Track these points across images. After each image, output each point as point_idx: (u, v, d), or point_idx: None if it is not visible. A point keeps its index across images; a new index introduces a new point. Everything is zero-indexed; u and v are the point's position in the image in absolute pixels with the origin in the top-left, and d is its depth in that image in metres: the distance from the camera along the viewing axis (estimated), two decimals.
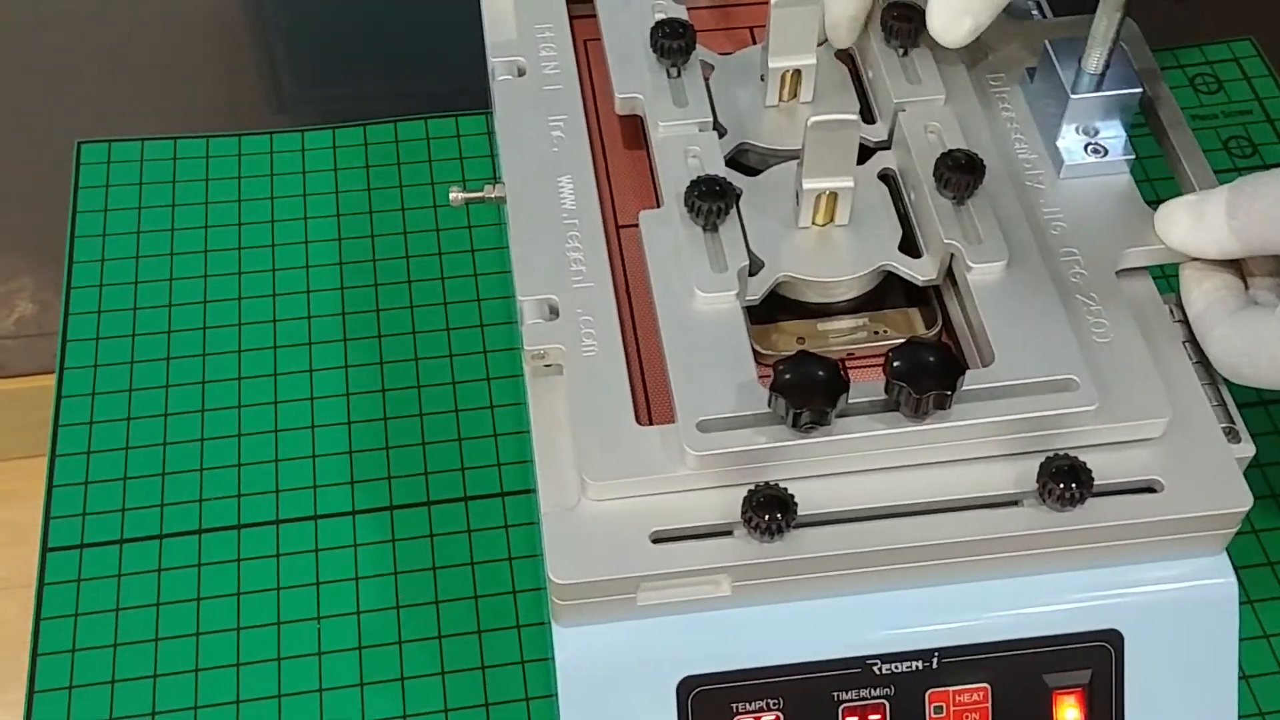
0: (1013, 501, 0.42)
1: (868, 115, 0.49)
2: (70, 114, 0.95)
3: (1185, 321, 0.46)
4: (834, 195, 0.45)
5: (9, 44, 0.92)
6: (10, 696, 1.17)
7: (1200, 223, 0.45)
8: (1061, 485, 0.41)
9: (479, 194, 0.50)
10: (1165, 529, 0.42)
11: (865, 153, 0.48)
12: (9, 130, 0.98)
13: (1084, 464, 0.41)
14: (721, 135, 0.48)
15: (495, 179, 0.65)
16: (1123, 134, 0.48)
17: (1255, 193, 0.43)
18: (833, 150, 0.44)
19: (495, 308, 0.62)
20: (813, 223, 0.46)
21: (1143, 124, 0.50)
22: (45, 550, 0.55)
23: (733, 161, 0.48)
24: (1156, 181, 0.54)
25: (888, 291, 0.47)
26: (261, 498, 0.56)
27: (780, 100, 0.49)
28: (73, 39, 0.91)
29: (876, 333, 0.47)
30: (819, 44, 0.49)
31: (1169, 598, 0.44)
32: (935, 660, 0.43)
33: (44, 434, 1.27)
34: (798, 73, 0.49)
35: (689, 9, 0.52)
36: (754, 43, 0.55)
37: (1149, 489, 0.42)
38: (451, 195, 0.50)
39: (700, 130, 0.48)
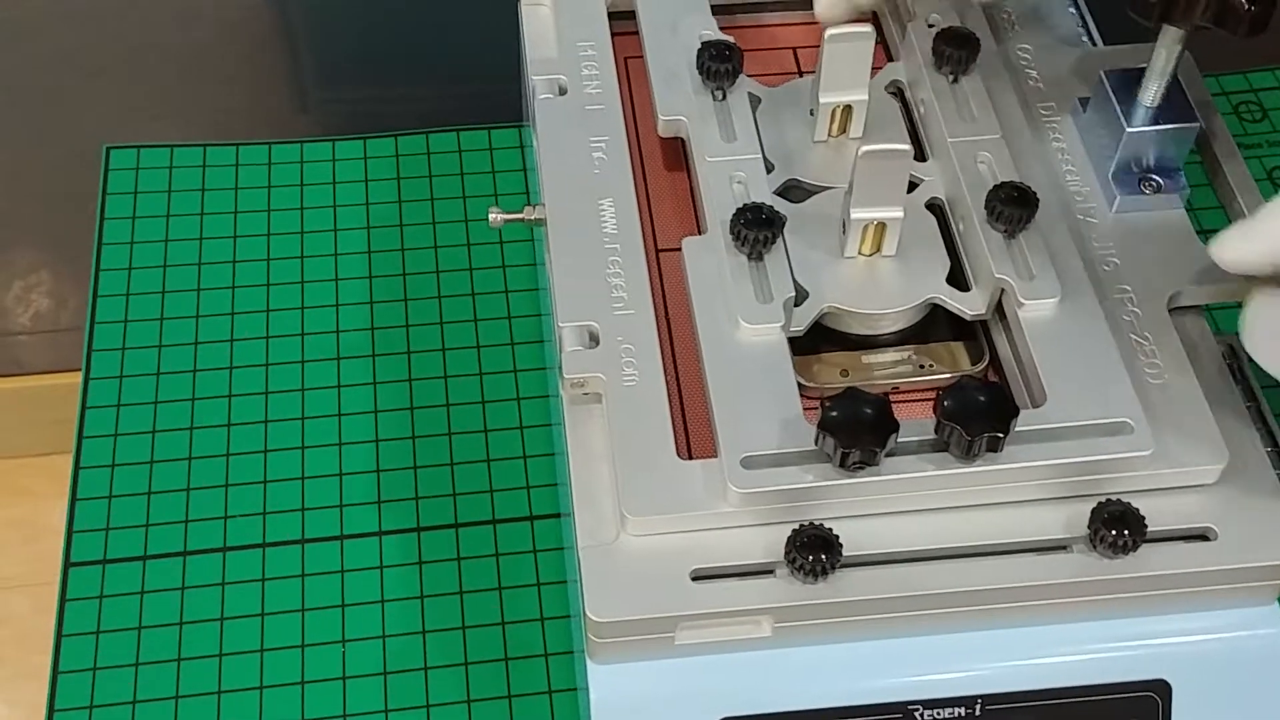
0: (1061, 547, 0.41)
1: (919, 152, 0.48)
2: (86, 109, 0.95)
3: (1239, 363, 0.45)
4: (882, 225, 0.45)
5: (35, 42, 0.91)
6: (21, 695, 1.17)
7: (1251, 236, 0.42)
8: (1114, 532, 0.40)
9: (518, 215, 0.49)
10: (1217, 579, 0.41)
11: (912, 184, 0.48)
12: (25, 126, 0.98)
13: (1137, 511, 0.40)
14: (770, 170, 0.47)
15: (529, 196, 0.65)
16: (1178, 168, 0.47)
17: None
18: (884, 179, 0.43)
19: (526, 325, 0.61)
20: (859, 253, 0.45)
21: (1194, 155, 0.49)
22: (67, 565, 0.54)
23: (779, 195, 0.47)
24: (1200, 210, 0.52)
25: (933, 324, 0.46)
26: (287, 516, 0.55)
27: (830, 135, 0.48)
28: (97, 38, 0.91)
29: (922, 366, 0.46)
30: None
31: (1219, 648, 0.43)
32: (979, 707, 0.42)
33: (58, 431, 1.26)
34: (848, 108, 0.48)
35: (732, 29, 0.51)
36: (797, 63, 0.54)
37: (1201, 537, 0.41)
38: (491, 216, 0.49)
39: (747, 158, 0.47)
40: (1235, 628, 0.43)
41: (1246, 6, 0.40)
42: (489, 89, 0.70)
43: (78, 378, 1.21)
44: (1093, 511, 0.40)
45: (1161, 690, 0.43)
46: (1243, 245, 0.42)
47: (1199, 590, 0.42)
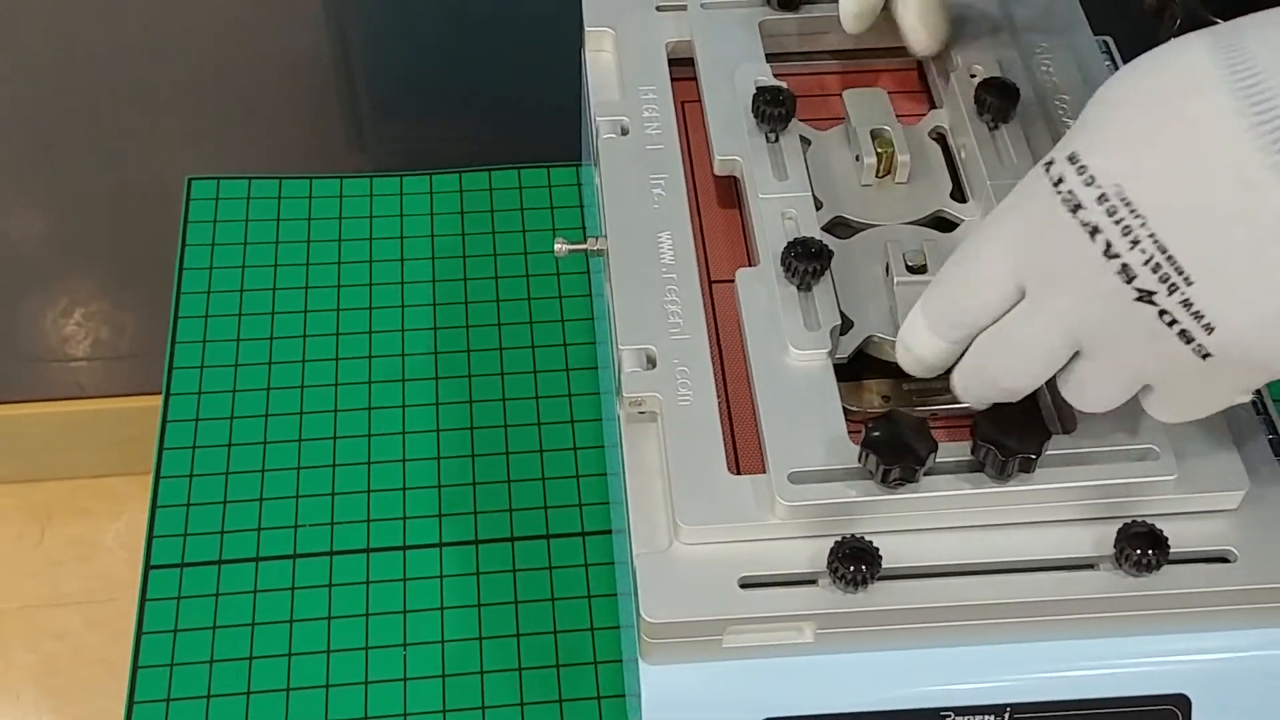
0: (1089, 565, 0.43)
1: (960, 194, 0.51)
2: (144, 145, 0.99)
3: (1261, 396, 0.47)
4: (923, 259, 0.47)
5: (98, 80, 0.95)
6: (73, 710, 1.20)
7: (908, 335, 0.43)
8: (1139, 551, 0.42)
9: (582, 245, 0.52)
10: (1236, 598, 0.43)
11: (953, 223, 0.51)
12: (83, 161, 1.01)
13: (1160, 531, 0.43)
14: (818, 208, 0.50)
15: (584, 230, 0.68)
16: None
17: (936, 281, 0.42)
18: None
19: (580, 353, 0.64)
20: (905, 270, 0.48)
21: None
22: (148, 568, 0.57)
23: (827, 231, 0.50)
24: None
25: None
26: (353, 526, 0.58)
27: (876, 178, 0.51)
28: (157, 78, 0.95)
29: None
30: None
31: (1237, 665, 0.45)
32: (1008, 715, 0.45)
33: (115, 454, 1.30)
34: (892, 153, 0.51)
35: (785, 75, 0.54)
36: (845, 109, 0.57)
37: (1222, 559, 0.44)
38: (556, 247, 0.52)
39: (798, 195, 0.50)
40: (1254, 647, 0.45)
41: None
42: (533, 130, 0.73)
43: (135, 402, 1.25)
44: (1118, 532, 0.43)
45: (1182, 704, 0.45)
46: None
47: (1219, 609, 0.44)
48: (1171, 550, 0.42)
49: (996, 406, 0.43)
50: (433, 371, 0.63)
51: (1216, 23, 0.41)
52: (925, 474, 0.42)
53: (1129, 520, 0.43)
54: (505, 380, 0.63)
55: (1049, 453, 0.42)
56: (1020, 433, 0.42)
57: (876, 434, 0.42)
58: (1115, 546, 0.43)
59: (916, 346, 0.43)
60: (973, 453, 0.42)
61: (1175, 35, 0.42)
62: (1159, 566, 0.42)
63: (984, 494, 0.42)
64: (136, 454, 1.08)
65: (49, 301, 1.14)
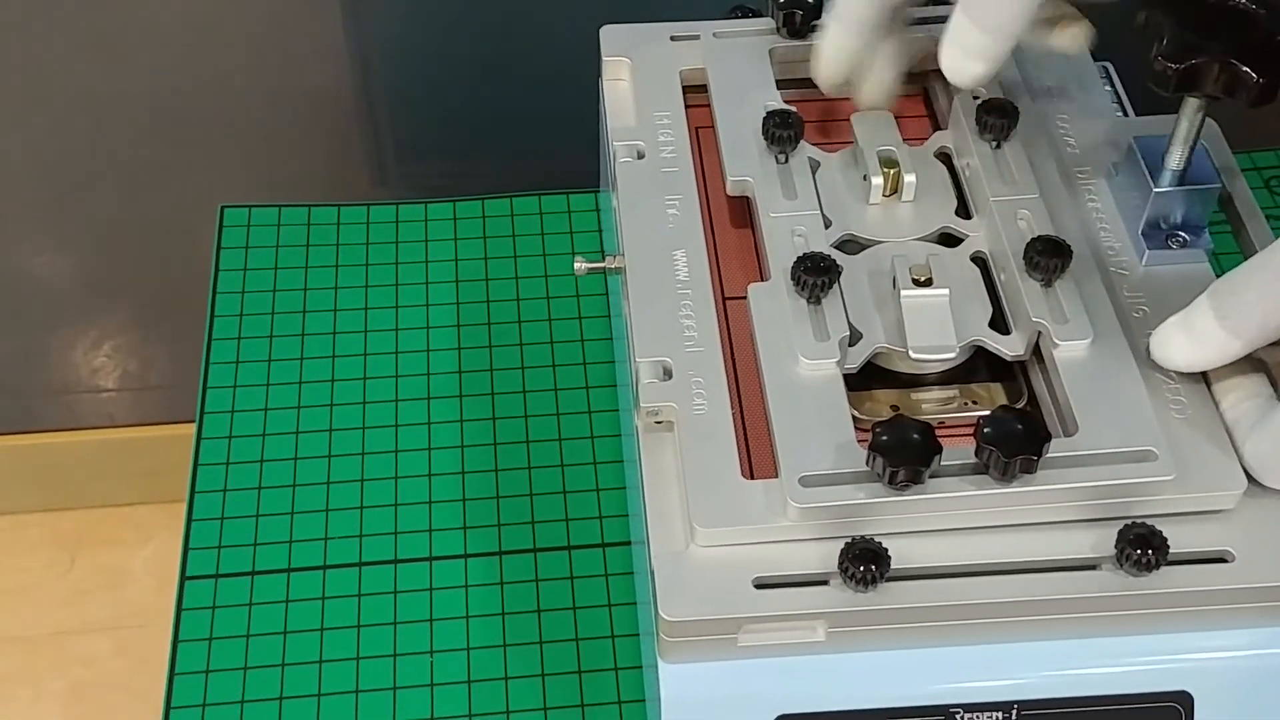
0: (1091, 565, 0.45)
1: (964, 210, 0.53)
2: (172, 181, 1.01)
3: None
4: (929, 273, 0.49)
5: (126, 117, 0.98)
6: None
7: (1194, 336, 0.46)
8: (1138, 551, 0.43)
9: (600, 264, 0.54)
10: (1235, 597, 0.45)
11: (958, 239, 0.52)
12: (112, 197, 1.04)
13: (1160, 532, 0.44)
14: (827, 226, 0.52)
15: (605, 251, 0.70)
16: (1202, 225, 0.51)
17: (1236, 288, 0.44)
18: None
19: (600, 371, 0.66)
20: (911, 284, 0.50)
21: (1222, 218, 0.53)
22: (184, 579, 0.59)
23: (837, 249, 0.52)
24: (1226, 258, 0.57)
25: (975, 368, 0.51)
26: (381, 538, 0.60)
27: (884, 197, 0.53)
28: (185, 116, 0.97)
29: (964, 405, 0.50)
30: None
31: (1238, 663, 0.46)
32: (1014, 712, 0.46)
33: (142, 483, 1.32)
34: (898, 173, 0.53)
35: (795, 102, 0.56)
36: (853, 133, 0.59)
37: (1220, 559, 0.45)
38: (576, 265, 0.54)
39: (807, 214, 0.52)
40: (1254, 646, 0.46)
41: (1255, 79, 0.45)
42: (550, 164, 0.75)
43: (163, 431, 1.27)
44: (1119, 533, 0.44)
45: (1184, 701, 0.46)
46: (1191, 354, 0.45)
47: (1218, 608, 0.45)
48: (1171, 551, 0.44)
49: (1000, 409, 0.44)
50: (457, 390, 0.65)
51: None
52: (931, 476, 0.44)
53: (1129, 521, 0.44)
54: (527, 398, 0.65)
55: (1050, 455, 0.44)
56: (1022, 435, 0.43)
57: (884, 437, 0.43)
58: (1116, 547, 0.44)
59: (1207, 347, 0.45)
60: (976, 455, 0.44)
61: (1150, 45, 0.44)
62: (1158, 566, 0.44)
63: (987, 495, 0.44)
64: (165, 483, 1.11)
65: (80, 334, 1.16)
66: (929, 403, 0.50)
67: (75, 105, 0.98)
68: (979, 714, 0.46)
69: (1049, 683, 0.46)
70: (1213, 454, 0.46)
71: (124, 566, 1.30)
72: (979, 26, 0.44)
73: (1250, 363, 0.47)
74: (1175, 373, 0.48)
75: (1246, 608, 0.45)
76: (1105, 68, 0.60)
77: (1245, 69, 0.45)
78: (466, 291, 0.69)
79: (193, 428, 0.64)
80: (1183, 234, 0.51)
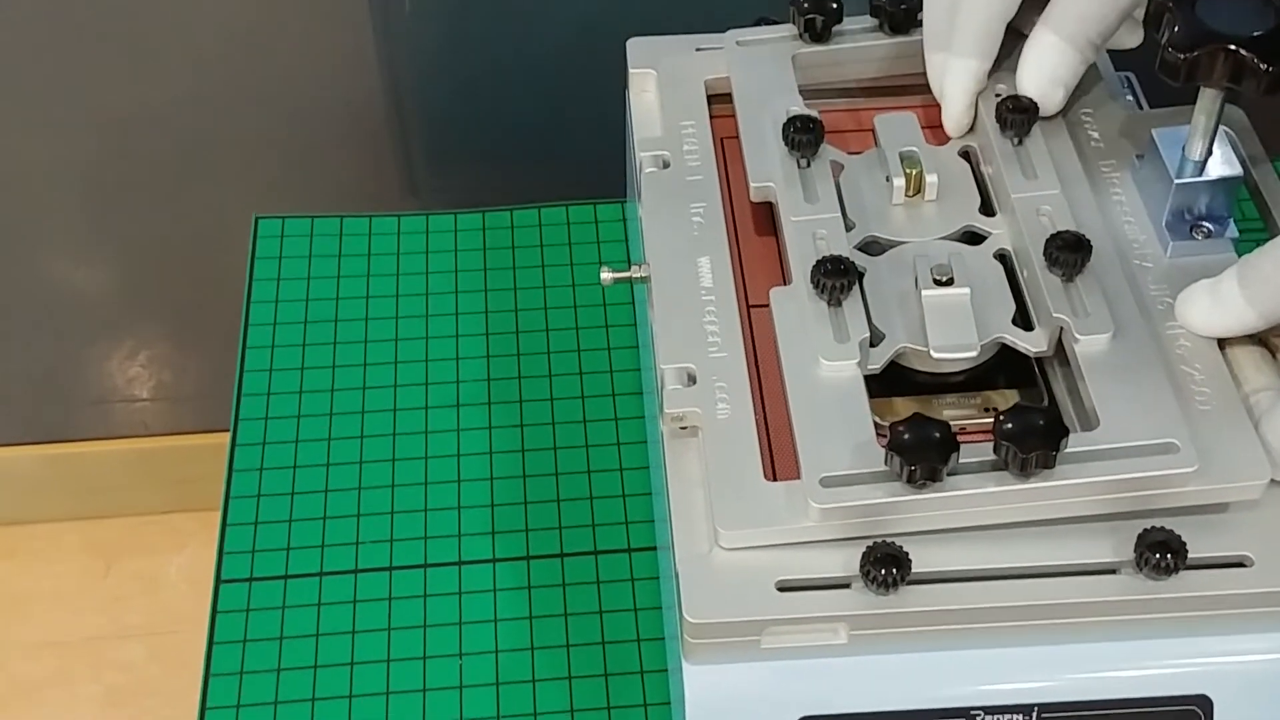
0: (1110, 570, 0.45)
1: (987, 208, 0.54)
2: (203, 198, 1.03)
3: None
4: (950, 272, 0.50)
5: (158, 130, 0.99)
6: None
7: (1217, 300, 0.47)
8: (1157, 555, 0.44)
9: (626, 274, 0.55)
10: (1254, 601, 0.45)
11: (981, 236, 0.53)
12: (146, 210, 1.05)
13: (1179, 537, 0.44)
14: (851, 228, 0.53)
15: (631, 260, 0.71)
16: (1227, 216, 0.51)
17: (1259, 260, 0.45)
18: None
19: (626, 379, 0.67)
20: (932, 284, 0.50)
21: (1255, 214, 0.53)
22: (219, 582, 0.60)
23: (861, 250, 0.52)
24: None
25: (995, 375, 0.51)
26: (411, 543, 0.61)
27: (906, 198, 0.54)
28: (219, 131, 0.99)
29: (986, 410, 0.51)
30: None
31: (1258, 667, 0.46)
32: (1035, 715, 0.46)
33: (177, 491, 1.34)
34: (920, 173, 0.53)
35: (819, 106, 0.57)
36: (875, 139, 0.59)
37: (1240, 564, 0.45)
38: (602, 275, 0.55)
39: (828, 217, 0.52)
40: (1273, 649, 0.46)
41: (1263, 67, 0.45)
42: (578, 176, 0.76)
43: (197, 439, 1.29)
44: (1139, 537, 0.44)
45: (1204, 705, 0.46)
46: (1209, 317, 0.46)
47: (1238, 612, 0.45)
48: (1190, 555, 0.44)
49: (1018, 405, 0.45)
50: (486, 397, 0.66)
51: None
52: (949, 474, 0.44)
53: (1151, 519, 0.44)
54: (555, 405, 0.66)
55: (1071, 449, 0.44)
56: (1040, 430, 0.43)
57: (903, 436, 0.44)
58: (1135, 551, 0.44)
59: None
60: (995, 452, 0.44)
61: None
62: (1177, 570, 0.44)
63: (1006, 491, 0.44)
64: (198, 491, 1.12)
65: (115, 345, 1.18)
66: (949, 409, 0.51)
67: (110, 119, 0.99)
68: (999, 716, 0.46)
69: (1069, 686, 0.46)
70: (1237, 445, 0.45)
71: (158, 573, 1.31)
72: (1073, 44, 0.45)
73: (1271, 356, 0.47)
74: (1199, 365, 0.48)
75: (1266, 612, 0.45)
76: (1128, 78, 0.61)
77: (1253, 58, 0.45)
78: (495, 300, 0.70)
79: (226, 437, 0.65)
80: (1208, 225, 0.51)
